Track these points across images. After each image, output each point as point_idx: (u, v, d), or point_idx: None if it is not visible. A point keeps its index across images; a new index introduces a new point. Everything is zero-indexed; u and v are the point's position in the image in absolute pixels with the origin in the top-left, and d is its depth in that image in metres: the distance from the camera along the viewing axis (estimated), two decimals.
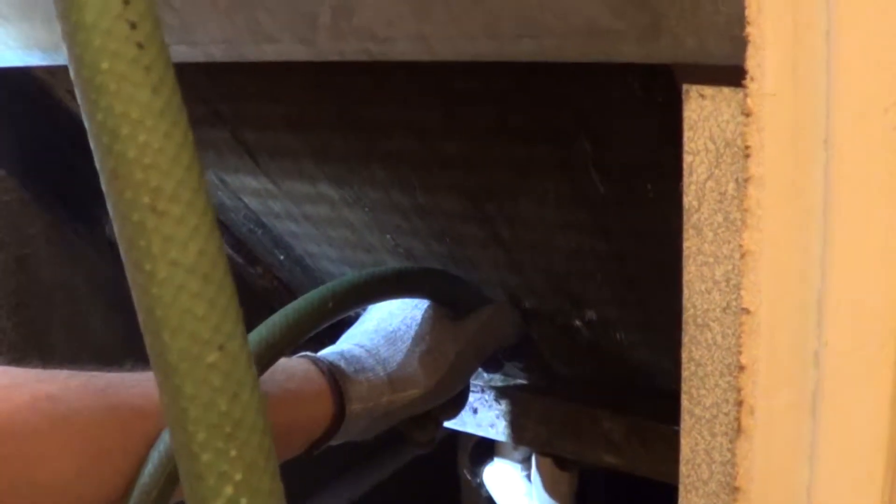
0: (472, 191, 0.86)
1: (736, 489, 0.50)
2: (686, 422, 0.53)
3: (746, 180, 0.46)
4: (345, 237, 1.04)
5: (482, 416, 1.15)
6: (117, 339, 1.11)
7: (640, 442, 1.04)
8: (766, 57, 0.44)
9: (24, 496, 0.64)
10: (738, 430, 0.49)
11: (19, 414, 0.64)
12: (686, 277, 0.51)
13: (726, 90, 0.48)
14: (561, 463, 1.20)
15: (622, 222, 0.82)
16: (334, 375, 0.86)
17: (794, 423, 0.47)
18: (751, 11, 0.44)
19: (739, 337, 0.48)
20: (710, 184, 0.49)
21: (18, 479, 0.63)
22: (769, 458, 0.49)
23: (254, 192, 1.04)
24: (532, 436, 1.12)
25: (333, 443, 0.88)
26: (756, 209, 0.46)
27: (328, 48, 0.62)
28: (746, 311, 0.47)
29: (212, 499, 0.40)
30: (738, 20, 0.45)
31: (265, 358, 0.77)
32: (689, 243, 0.51)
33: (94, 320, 1.12)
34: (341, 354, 0.89)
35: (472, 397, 1.12)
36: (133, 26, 0.36)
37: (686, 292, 0.51)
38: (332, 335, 0.96)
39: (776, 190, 0.45)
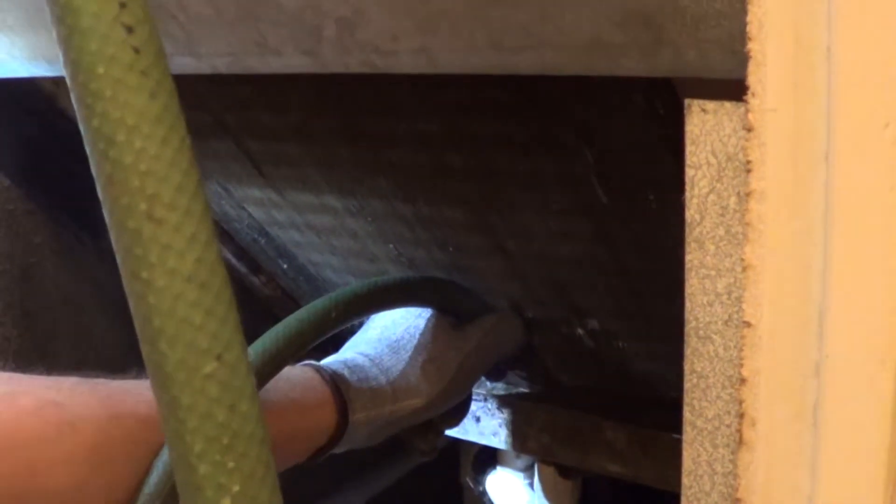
0: (475, 201, 0.86)
1: (738, 500, 0.50)
2: (688, 433, 0.54)
3: (748, 194, 0.46)
4: (348, 246, 1.04)
5: (485, 425, 1.15)
6: (122, 347, 1.11)
7: (642, 450, 1.04)
8: (767, 73, 0.44)
9: (30, 503, 0.64)
10: (740, 442, 0.49)
11: (25, 420, 0.64)
12: (688, 290, 0.51)
13: (728, 105, 0.48)
14: (563, 471, 1.20)
15: (624, 232, 0.82)
16: (337, 384, 0.86)
17: (795, 435, 0.48)
18: (752, 28, 0.45)
19: (741, 349, 0.48)
20: (711, 197, 0.49)
21: (24, 486, 0.64)
22: (771, 470, 0.49)
23: (257, 201, 1.04)
24: (535, 444, 1.12)
25: (337, 451, 0.88)
26: (757, 223, 0.46)
27: (333, 61, 0.63)
28: (748, 324, 0.47)
29: None
30: (739, 35, 0.46)
31: (269, 368, 0.78)
32: (691, 256, 0.51)
33: (99, 329, 1.12)
34: (344, 363, 0.90)
35: (474, 405, 1.12)
36: (129, 30, 0.36)
37: (688, 305, 0.52)
38: (336, 343, 0.97)
39: (777, 204, 0.45)
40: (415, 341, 0.94)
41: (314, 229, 1.04)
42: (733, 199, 0.49)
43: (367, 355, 0.92)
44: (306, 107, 0.86)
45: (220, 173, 1.02)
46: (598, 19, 0.52)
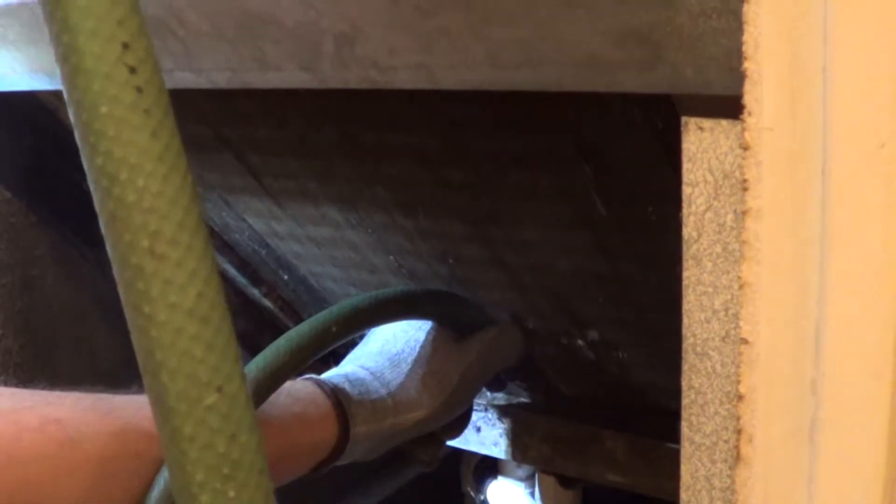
0: (475, 214, 0.86)
1: None
2: (686, 448, 0.54)
3: (744, 212, 0.46)
4: (348, 258, 1.04)
5: (485, 435, 1.15)
6: (123, 360, 1.11)
7: (642, 460, 1.04)
8: (763, 92, 0.44)
9: None
10: (738, 458, 0.50)
11: (27, 437, 0.65)
12: (686, 306, 0.52)
13: (724, 123, 0.49)
14: (564, 481, 1.20)
15: (624, 244, 0.82)
16: (338, 398, 0.86)
17: (792, 452, 0.48)
18: (748, 46, 0.45)
19: (738, 366, 0.48)
20: (708, 215, 0.50)
21: (26, 503, 0.64)
22: (768, 486, 0.49)
23: (258, 213, 1.04)
24: (535, 454, 1.13)
25: (338, 464, 0.88)
26: (754, 241, 0.46)
27: (332, 77, 0.63)
28: (745, 341, 0.48)
29: None
30: (736, 53, 0.46)
31: (270, 382, 0.78)
32: (689, 273, 0.51)
33: (100, 341, 1.12)
34: (345, 377, 0.90)
35: (475, 416, 1.12)
36: (132, 70, 0.36)
37: (686, 321, 0.52)
38: (337, 356, 0.97)
39: (774, 222, 0.45)
40: (416, 354, 0.94)
41: (315, 241, 1.04)
42: (730, 217, 0.49)
43: (368, 368, 0.92)
44: (306, 120, 0.86)
45: (221, 186, 1.02)
46: (595, 37, 0.52)
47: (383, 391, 0.90)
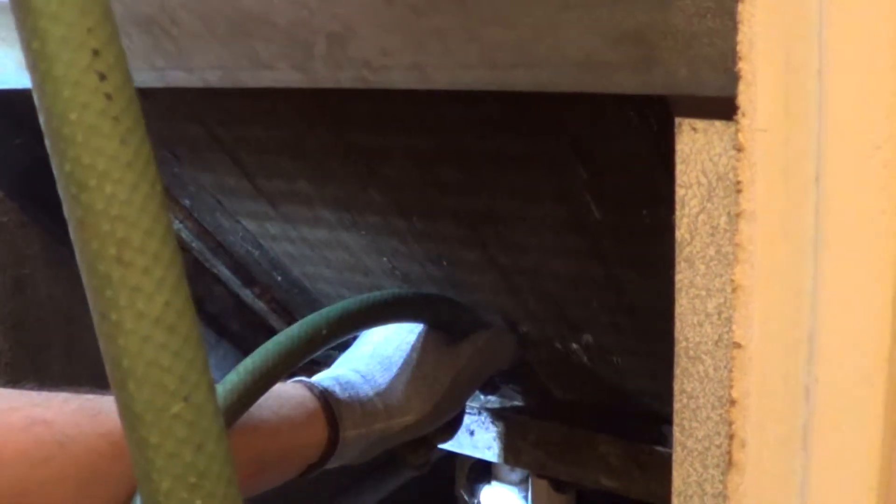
0: (468, 216, 0.86)
1: None
2: (678, 453, 0.53)
3: (738, 215, 0.46)
4: (342, 260, 1.04)
5: (479, 438, 1.14)
6: None
7: (636, 465, 1.03)
8: (757, 93, 0.44)
9: None
10: (730, 464, 0.49)
11: (14, 438, 0.64)
12: (678, 310, 0.51)
13: (718, 124, 0.48)
14: (557, 485, 1.20)
15: (618, 247, 0.82)
16: (328, 401, 0.86)
17: (784, 457, 0.47)
18: (743, 47, 0.44)
19: (731, 371, 0.48)
20: (702, 217, 0.49)
21: None
22: (760, 492, 0.49)
23: (251, 214, 1.04)
24: (529, 458, 1.12)
25: (328, 467, 0.88)
26: (747, 244, 0.46)
27: (324, 76, 0.63)
28: (738, 345, 0.47)
29: None
30: (730, 54, 0.46)
31: (260, 384, 0.77)
32: (682, 276, 0.51)
33: (91, 341, 1.11)
34: (336, 380, 0.89)
35: (468, 419, 1.12)
36: (102, 77, 0.36)
37: (678, 325, 0.51)
38: (329, 357, 0.96)
39: (768, 225, 0.45)
40: (407, 357, 0.94)
41: (308, 242, 1.04)
42: (723, 219, 0.49)
43: (358, 371, 0.92)
44: (300, 120, 0.85)
45: (214, 185, 1.02)
46: (590, 37, 0.51)
47: (373, 394, 0.90)
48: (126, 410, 0.39)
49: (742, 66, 0.44)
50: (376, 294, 0.93)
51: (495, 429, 1.13)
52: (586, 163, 0.74)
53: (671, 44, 0.49)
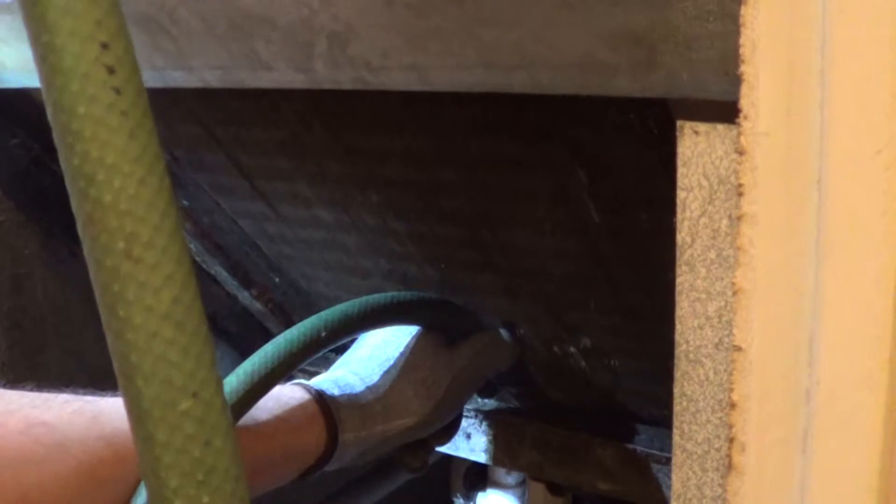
0: (467, 218, 0.86)
1: None
2: (678, 457, 0.53)
3: (739, 218, 0.46)
4: (340, 261, 1.04)
5: (475, 441, 1.14)
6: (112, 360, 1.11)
7: (633, 468, 1.03)
8: (759, 96, 0.44)
9: None
10: (730, 467, 0.49)
11: (14, 440, 0.64)
12: (679, 313, 0.51)
13: (720, 127, 0.48)
14: (554, 488, 1.19)
15: (617, 250, 0.82)
16: (327, 404, 0.86)
17: (785, 461, 0.47)
18: (745, 50, 0.44)
19: (731, 374, 0.48)
20: (703, 220, 0.49)
21: None
22: (760, 495, 0.49)
23: (249, 214, 1.04)
24: (525, 461, 1.12)
25: (326, 469, 0.87)
26: (749, 247, 0.45)
27: (324, 77, 0.63)
28: (738, 348, 0.47)
29: None
30: (732, 57, 0.45)
31: (258, 387, 0.77)
32: (682, 279, 0.51)
33: (89, 341, 1.11)
34: (335, 382, 0.89)
35: (465, 422, 1.12)
36: (111, 71, 0.36)
37: (679, 328, 0.51)
38: (328, 359, 0.96)
39: (769, 228, 0.45)
40: (405, 360, 0.94)
41: (306, 243, 1.04)
42: (725, 222, 0.48)
43: (357, 374, 0.92)
44: (298, 121, 0.85)
45: (212, 186, 1.02)
46: (590, 39, 0.51)
47: (372, 397, 0.90)
48: (134, 406, 0.39)
49: (744, 69, 0.44)
50: (375, 297, 0.93)
51: (492, 432, 1.13)
52: (585, 165, 0.74)
53: (672, 46, 0.49)
